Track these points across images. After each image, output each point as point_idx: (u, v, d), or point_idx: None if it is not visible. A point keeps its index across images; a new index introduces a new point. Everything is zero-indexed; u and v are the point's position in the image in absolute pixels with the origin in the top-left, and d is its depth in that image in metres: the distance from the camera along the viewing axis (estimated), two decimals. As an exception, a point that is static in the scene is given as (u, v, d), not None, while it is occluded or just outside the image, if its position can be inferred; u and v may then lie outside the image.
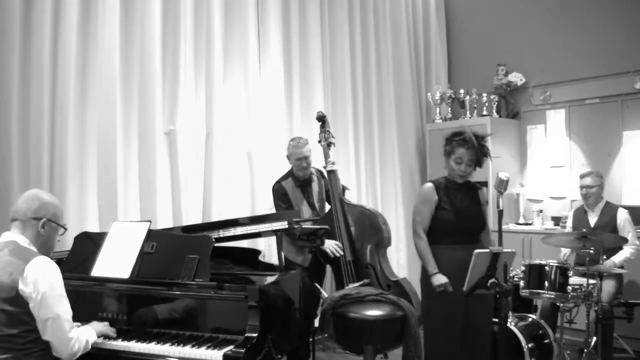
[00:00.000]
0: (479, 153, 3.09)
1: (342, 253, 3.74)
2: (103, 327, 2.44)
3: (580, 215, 4.29)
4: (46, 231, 2.24)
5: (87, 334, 2.27)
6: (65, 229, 2.37)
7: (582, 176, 4.27)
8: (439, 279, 3.03)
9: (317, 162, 4.09)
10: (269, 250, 4.24)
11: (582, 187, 4.22)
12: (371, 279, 3.68)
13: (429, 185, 3.22)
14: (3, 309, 2.05)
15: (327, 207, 4.09)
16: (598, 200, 4.20)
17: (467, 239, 3.09)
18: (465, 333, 3.03)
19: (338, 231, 3.82)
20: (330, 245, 3.72)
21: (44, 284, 2.07)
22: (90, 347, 2.25)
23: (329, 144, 4.05)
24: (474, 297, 2.86)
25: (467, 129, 3.15)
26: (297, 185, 3.91)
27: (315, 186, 4.01)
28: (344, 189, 4.14)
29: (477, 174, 3.31)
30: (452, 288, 3.00)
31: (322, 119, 4.10)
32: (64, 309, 2.14)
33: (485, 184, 5.09)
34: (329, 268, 4.12)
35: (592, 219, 4.20)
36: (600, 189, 4.18)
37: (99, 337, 2.37)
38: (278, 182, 3.91)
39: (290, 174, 3.95)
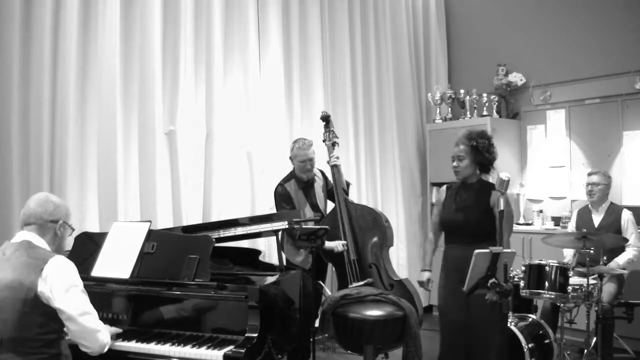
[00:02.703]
0: (472, 149, 3.14)
1: (342, 249, 3.75)
2: (112, 328, 2.44)
3: (584, 214, 4.29)
4: (62, 233, 2.27)
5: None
6: (73, 230, 2.39)
7: (589, 174, 4.31)
8: (421, 275, 3.34)
9: (320, 161, 4.09)
10: (269, 250, 4.24)
11: (587, 184, 4.24)
12: (374, 278, 3.69)
13: (443, 186, 3.38)
14: (20, 310, 2.03)
15: (330, 207, 4.09)
16: (603, 199, 4.20)
17: (463, 239, 3.12)
18: (466, 331, 3.06)
19: (342, 229, 3.82)
20: (337, 245, 3.73)
21: (65, 281, 2.08)
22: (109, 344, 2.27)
23: (333, 144, 4.06)
24: (474, 297, 2.88)
25: (469, 129, 3.24)
26: (300, 187, 3.90)
27: (317, 187, 4.00)
28: (348, 184, 4.14)
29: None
30: (450, 286, 3.10)
31: (326, 118, 4.11)
32: (87, 303, 2.15)
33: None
34: (330, 268, 4.12)
35: (597, 219, 4.20)
36: (606, 188, 4.18)
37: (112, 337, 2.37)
38: (281, 184, 3.90)
39: (292, 175, 3.94)
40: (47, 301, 2.05)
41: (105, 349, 2.20)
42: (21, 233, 2.21)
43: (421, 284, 3.34)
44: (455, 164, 3.20)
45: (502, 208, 2.81)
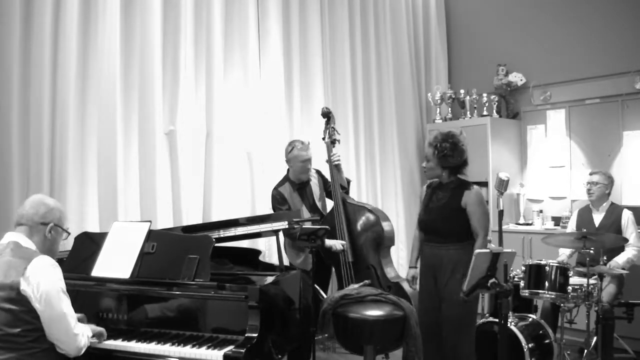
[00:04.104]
0: (435, 152, 3.16)
1: (341, 248, 3.75)
2: (95, 327, 2.43)
3: (585, 214, 4.30)
4: (52, 236, 2.28)
5: (87, 330, 2.29)
6: (69, 234, 2.40)
7: (590, 173, 4.32)
8: (408, 273, 3.43)
9: (318, 160, 4.08)
10: (269, 250, 4.24)
11: (587, 183, 4.25)
12: (372, 280, 3.67)
13: (426, 184, 3.41)
14: (5, 307, 2.06)
15: (329, 207, 4.08)
16: (602, 199, 4.20)
17: (435, 238, 3.19)
18: (438, 328, 3.14)
19: (339, 231, 3.81)
20: (335, 244, 3.74)
21: (46, 283, 2.09)
22: (89, 343, 2.27)
23: (333, 141, 4.00)
24: (448, 295, 3.02)
25: (440, 131, 3.26)
26: (295, 189, 3.89)
27: (314, 187, 3.99)
28: (348, 181, 4.12)
29: (477, 174, 3.31)
30: (424, 283, 3.24)
31: (327, 115, 4.04)
32: (68, 306, 2.16)
33: (485, 184, 5.10)
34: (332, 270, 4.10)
35: (597, 219, 4.20)
36: (605, 188, 4.18)
37: (93, 335, 2.37)
38: (275, 188, 3.88)
39: (286, 179, 3.93)
40: (30, 300, 2.08)
41: (82, 352, 2.21)
42: (9, 234, 2.24)
43: (408, 281, 3.41)
44: (423, 164, 3.28)
45: (501, 208, 2.81)
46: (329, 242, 3.71)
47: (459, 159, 3.15)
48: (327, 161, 3.98)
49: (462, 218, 3.11)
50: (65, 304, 2.14)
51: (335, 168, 3.93)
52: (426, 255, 3.25)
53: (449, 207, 3.14)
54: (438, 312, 3.14)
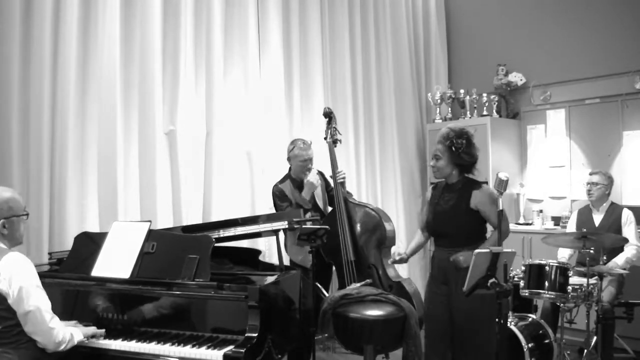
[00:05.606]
0: (448, 149, 2.97)
1: (316, 182, 3.84)
2: (90, 329, 2.43)
3: (585, 214, 4.30)
4: (8, 228, 2.28)
5: (72, 330, 2.30)
6: (27, 214, 2.37)
7: (590, 173, 4.32)
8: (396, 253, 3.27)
9: (318, 160, 4.08)
10: (269, 250, 4.24)
11: (587, 184, 4.25)
12: (373, 279, 3.67)
13: (431, 185, 3.26)
14: None
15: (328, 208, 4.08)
16: (602, 199, 4.20)
17: (441, 241, 3.05)
18: (449, 333, 3.00)
19: (341, 230, 3.81)
20: (310, 178, 3.81)
21: (19, 278, 2.12)
22: (76, 342, 2.27)
23: (334, 141, 4.01)
24: (458, 299, 2.86)
25: (451, 127, 3.06)
26: (296, 186, 3.90)
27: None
28: (349, 195, 4.12)
29: (477, 174, 3.26)
30: (433, 287, 3.07)
31: (329, 115, 4.04)
32: (42, 300, 2.18)
33: (485, 183, 5.09)
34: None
35: (597, 219, 4.20)
36: (605, 189, 4.18)
37: (86, 337, 2.37)
38: (276, 185, 3.91)
39: (287, 176, 3.94)
40: (6, 297, 2.11)
41: (61, 348, 2.21)
42: None
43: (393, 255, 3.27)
44: (432, 163, 3.07)
45: (501, 208, 2.80)
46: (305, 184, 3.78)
47: (473, 157, 3.01)
48: (330, 176, 3.97)
49: (472, 219, 2.97)
50: (39, 299, 2.16)
51: (340, 185, 3.91)
52: (437, 259, 3.08)
53: (457, 208, 2.99)
54: (449, 317, 2.99)
